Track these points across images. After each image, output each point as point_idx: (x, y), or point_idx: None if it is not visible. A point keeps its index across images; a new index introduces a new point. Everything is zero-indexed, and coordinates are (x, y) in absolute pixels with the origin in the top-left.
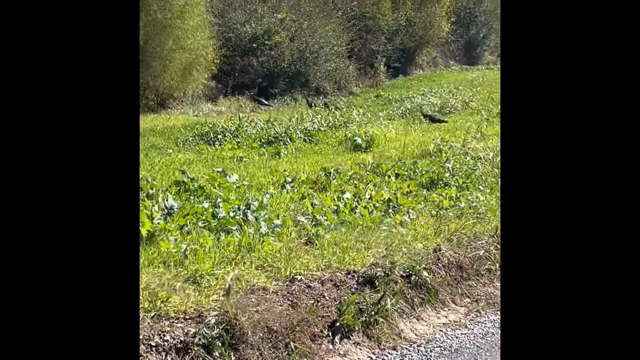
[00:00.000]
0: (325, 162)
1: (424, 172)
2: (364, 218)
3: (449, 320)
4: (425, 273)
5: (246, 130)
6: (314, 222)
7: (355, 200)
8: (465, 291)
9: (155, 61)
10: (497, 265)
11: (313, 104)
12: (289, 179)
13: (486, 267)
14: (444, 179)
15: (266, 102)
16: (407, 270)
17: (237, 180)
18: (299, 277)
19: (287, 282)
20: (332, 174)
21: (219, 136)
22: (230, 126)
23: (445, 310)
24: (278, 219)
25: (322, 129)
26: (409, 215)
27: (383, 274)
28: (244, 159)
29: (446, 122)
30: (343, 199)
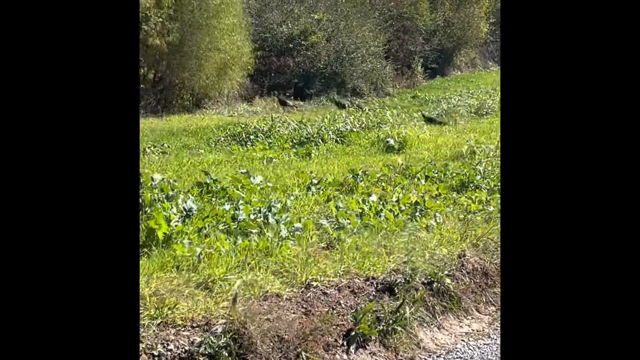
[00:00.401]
0: (357, 164)
1: (454, 174)
2: (388, 222)
3: (472, 330)
4: (447, 280)
5: (278, 130)
6: (336, 226)
7: (381, 203)
8: (490, 299)
9: (191, 61)
10: None
11: (347, 105)
12: (315, 181)
13: None
14: (474, 181)
15: (291, 104)
16: (429, 277)
17: (261, 181)
18: (314, 284)
19: (302, 289)
20: (359, 176)
21: (251, 137)
22: (263, 126)
23: (468, 319)
24: (300, 222)
25: (354, 129)
26: (436, 219)
27: (403, 281)
28: (274, 160)
29: (446, 124)
30: (368, 201)
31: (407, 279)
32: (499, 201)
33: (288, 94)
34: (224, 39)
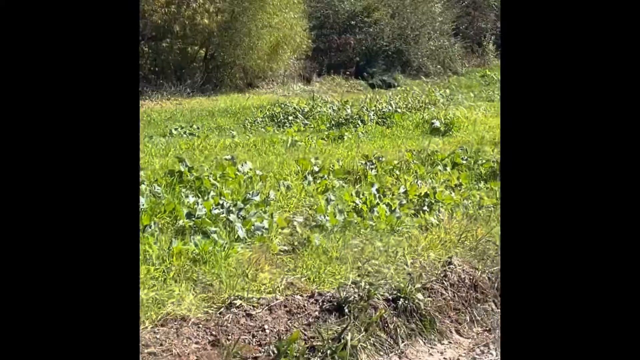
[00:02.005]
0: (392, 147)
1: (484, 161)
2: (379, 219)
3: (444, 358)
4: (419, 295)
5: (320, 111)
6: (314, 224)
7: (378, 196)
8: (477, 317)
9: (243, 39)
10: None
11: (391, 85)
12: (316, 169)
13: None
14: None
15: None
16: (394, 292)
17: (250, 169)
18: (238, 302)
19: (222, 309)
20: (373, 163)
21: (290, 117)
22: (304, 107)
23: (442, 344)
24: (272, 218)
25: (398, 110)
26: (438, 216)
27: (358, 297)
28: (298, 143)
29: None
30: (364, 194)
31: (364, 294)
32: None
33: (349, 72)
34: (277, 15)
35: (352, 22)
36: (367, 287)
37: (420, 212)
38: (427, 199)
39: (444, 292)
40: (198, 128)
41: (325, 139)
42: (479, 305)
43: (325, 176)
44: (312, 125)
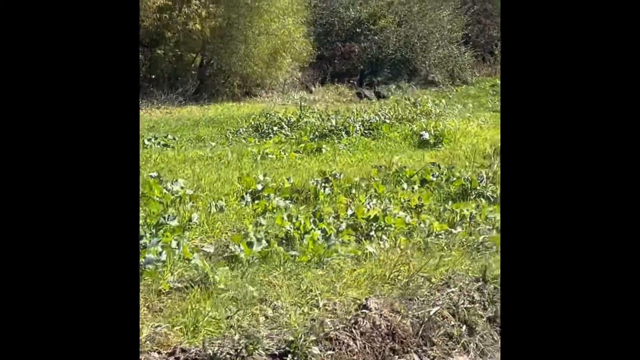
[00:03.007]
0: (371, 162)
1: (454, 178)
2: (307, 249)
3: None
4: (315, 349)
5: (307, 121)
6: (226, 253)
7: (313, 220)
8: None
9: (239, 46)
10: (464, 327)
11: (380, 95)
12: (260, 187)
13: (443, 331)
14: (477, 188)
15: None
16: (283, 346)
17: (182, 187)
18: None
19: None
20: (329, 180)
21: (275, 128)
22: (290, 117)
23: None
24: (178, 247)
25: (387, 121)
26: (380, 245)
27: (233, 354)
28: (269, 156)
29: None
30: (298, 218)
31: (242, 349)
32: (492, 217)
33: (353, 81)
34: (274, 22)
35: (358, 30)
36: (244, 340)
37: (370, 237)
38: (375, 223)
39: (351, 343)
40: (174, 139)
41: (300, 151)
42: (395, 357)
43: (271, 195)
44: (295, 137)
